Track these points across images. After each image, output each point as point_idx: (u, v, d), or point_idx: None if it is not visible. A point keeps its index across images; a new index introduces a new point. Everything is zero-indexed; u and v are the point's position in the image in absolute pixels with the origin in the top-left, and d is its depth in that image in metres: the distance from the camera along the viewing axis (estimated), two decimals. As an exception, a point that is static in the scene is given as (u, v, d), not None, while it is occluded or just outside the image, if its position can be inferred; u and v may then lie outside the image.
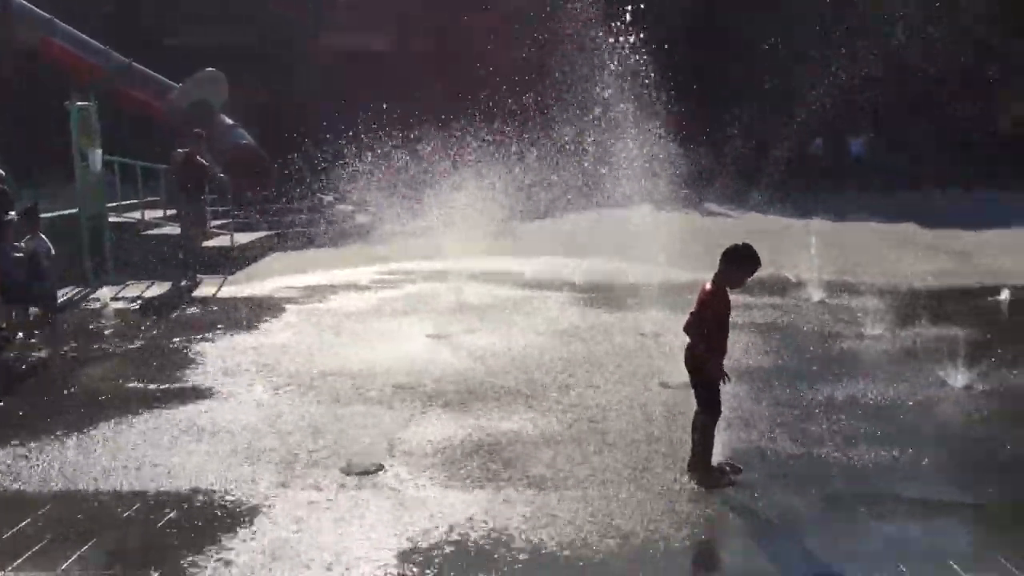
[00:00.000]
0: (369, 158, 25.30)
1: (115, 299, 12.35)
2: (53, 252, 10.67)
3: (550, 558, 4.89)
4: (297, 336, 10.22)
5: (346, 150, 28.21)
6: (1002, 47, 28.07)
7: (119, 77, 20.55)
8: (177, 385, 8.25)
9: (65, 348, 9.81)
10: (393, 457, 6.30)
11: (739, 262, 5.71)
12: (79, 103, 13.45)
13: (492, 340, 9.83)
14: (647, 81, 17.27)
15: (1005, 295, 11.63)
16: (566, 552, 4.94)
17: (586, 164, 17.83)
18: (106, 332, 10.61)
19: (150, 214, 15.58)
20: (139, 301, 12.47)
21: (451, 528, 5.24)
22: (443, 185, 17.78)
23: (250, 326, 10.79)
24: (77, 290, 13.00)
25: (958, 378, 7.89)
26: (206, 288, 13.34)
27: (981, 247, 16.43)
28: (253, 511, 5.51)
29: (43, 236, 10.70)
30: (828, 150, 29.41)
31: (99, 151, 13.73)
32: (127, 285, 13.33)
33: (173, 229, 14.92)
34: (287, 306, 11.96)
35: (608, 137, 17.84)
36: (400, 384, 8.10)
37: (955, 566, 4.71)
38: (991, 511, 5.49)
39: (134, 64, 20.99)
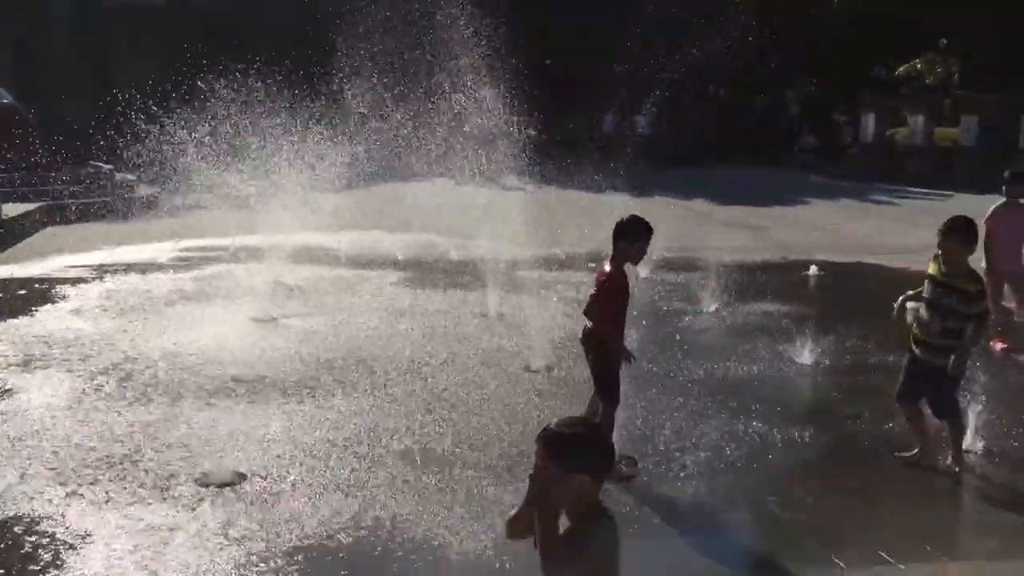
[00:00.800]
0: (152, 122, 23.33)
1: None
2: None
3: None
4: (98, 323, 9.03)
5: (123, 113, 25.95)
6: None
7: None
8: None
9: None
10: (253, 462, 5.58)
11: (633, 235, 5.48)
12: None
13: (325, 323, 9.14)
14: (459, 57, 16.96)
15: (813, 270, 12.27)
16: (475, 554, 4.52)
17: (382, 135, 17.22)
18: None
19: None
20: None
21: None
22: (234, 154, 16.62)
23: (37, 312, 9.44)
24: None
25: (803, 354, 8.14)
26: (-25, 268, 11.63)
27: (775, 222, 17.38)
28: (88, 543, 4.66)
29: None
30: (617, 128, 30.28)
31: None
32: None
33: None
34: (78, 288, 10.59)
35: (409, 107, 17.39)
36: (238, 377, 7.27)
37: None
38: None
39: None
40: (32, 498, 5.13)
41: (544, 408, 6.65)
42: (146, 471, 5.50)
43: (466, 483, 5.39)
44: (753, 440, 6.17)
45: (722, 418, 6.56)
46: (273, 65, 18.68)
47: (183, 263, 12.33)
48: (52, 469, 5.52)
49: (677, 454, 5.91)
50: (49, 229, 14.43)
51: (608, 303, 5.37)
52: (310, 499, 5.14)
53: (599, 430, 3.20)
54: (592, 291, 5.48)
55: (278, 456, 5.70)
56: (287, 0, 30.14)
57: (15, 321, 9.05)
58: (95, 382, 7.22)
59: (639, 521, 4.99)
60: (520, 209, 13.27)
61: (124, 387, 7.10)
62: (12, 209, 13.45)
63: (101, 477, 5.40)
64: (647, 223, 5.59)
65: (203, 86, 18.68)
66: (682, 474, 5.62)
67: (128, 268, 11.85)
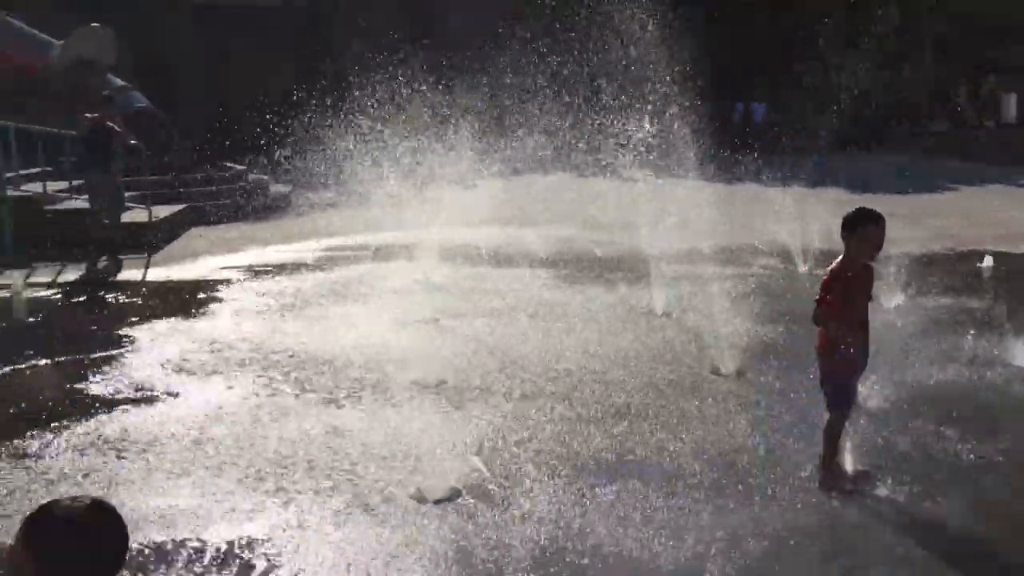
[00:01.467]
0: (287, 123, 23.63)
1: (29, 285, 10.72)
2: None
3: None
4: (259, 324, 8.98)
5: (255, 114, 26.37)
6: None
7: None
8: (125, 389, 6.95)
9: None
10: (464, 474, 5.29)
11: (862, 228, 4.98)
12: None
13: (487, 324, 8.86)
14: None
15: (988, 262, 11.47)
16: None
17: (505, 130, 16.93)
18: (26, 326, 9.09)
19: (53, 186, 13.71)
20: (55, 288, 10.86)
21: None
22: (366, 153, 16.59)
23: (201, 314, 9.46)
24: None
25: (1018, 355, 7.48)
26: (130, 271, 11.77)
27: (928, 211, 16.45)
28: (301, 564, 4.45)
29: None
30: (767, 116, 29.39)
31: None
32: (34, 268, 11.62)
33: (81, 203, 13.16)
34: (234, 290, 10.62)
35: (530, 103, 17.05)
36: (420, 381, 7.04)
37: None
38: None
39: (9, 17, 18.65)
40: (232, 509, 4.97)
41: (745, 417, 6.22)
42: (351, 481, 5.30)
43: (690, 498, 5.00)
44: (987, 456, 5.61)
45: (943, 430, 6.00)
46: (397, 58, 18.68)
47: (330, 262, 12.27)
48: (253, 478, 5.36)
49: (905, 470, 5.40)
50: (193, 230, 14.63)
51: (833, 302, 4.91)
52: (531, 517, 4.83)
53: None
54: (818, 295, 5.01)
55: (487, 467, 5.42)
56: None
57: (182, 324, 9.07)
58: (273, 385, 7.11)
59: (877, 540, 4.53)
60: (669, 201, 12.79)
61: (305, 390, 6.97)
62: (161, 211, 13.64)
63: (306, 488, 5.21)
64: (868, 213, 5.04)
65: (327, 83, 18.84)
66: (915, 490, 5.11)
67: (278, 269, 11.85)
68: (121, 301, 10.24)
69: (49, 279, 11.19)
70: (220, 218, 15.46)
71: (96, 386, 7.12)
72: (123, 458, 5.69)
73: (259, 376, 7.33)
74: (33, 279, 11.08)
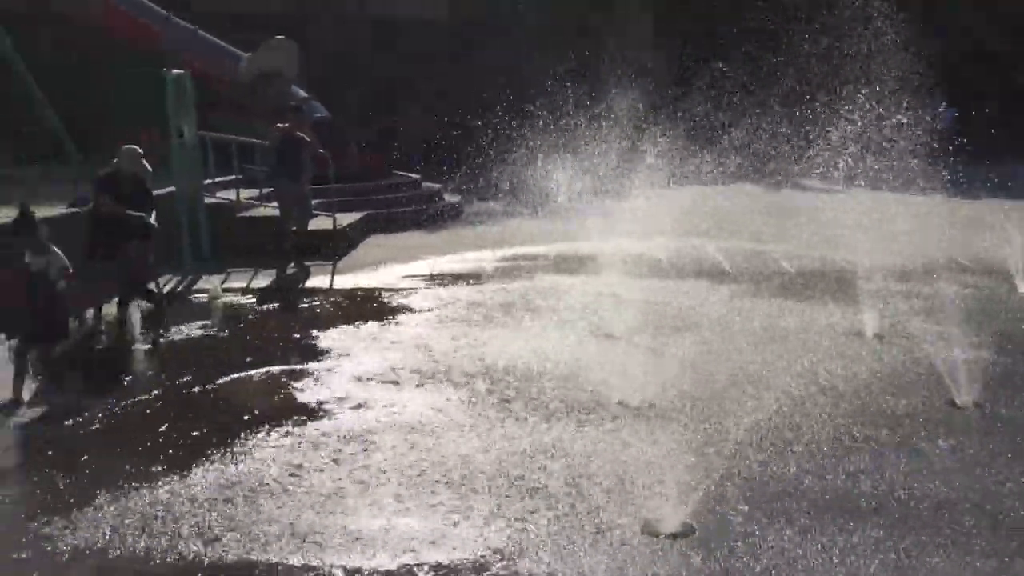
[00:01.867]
0: (454, 133, 23.88)
1: (225, 290, 11.09)
2: (71, 269, 7.42)
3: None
4: (447, 334, 8.92)
5: (425, 125, 26.83)
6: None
7: (183, 45, 19.19)
8: (328, 398, 6.96)
9: (161, 336, 8.71)
10: (695, 509, 4.97)
11: None
12: (175, 71, 12.10)
13: (687, 343, 8.40)
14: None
15: None
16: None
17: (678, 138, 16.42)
18: (225, 330, 9.35)
19: (246, 194, 14.23)
20: (249, 293, 11.19)
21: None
22: (533, 160, 16.47)
23: (390, 322, 9.50)
24: (176, 278, 11.71)
25: None
26: (317, 278, 12.03)
27: None
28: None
29: (56, 249, 7.30)
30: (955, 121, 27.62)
31: (194, 125, 12.38)
32: (229, 273, 12.02)
33: (270, 211, 13.59)
34: (418, 298, 10.64)
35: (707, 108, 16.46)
36: (625, 402, 6.76)
37: None
38: None
39: (199, 31, 19.62)
40: (446, 533, 4.80)
41: (1003, 456, 5.61)
42: (572, 506, 5.07)
43: (952, 549, 4.50)
44: None
45: None
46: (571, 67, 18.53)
47: (509, 272, 12.16)
48: (468, 497, 5.20)
49: None
50: (371, 238, 14.87)
51: None
52: (769, 559, 4.45)
53: None
54: None
55: (718, 502, 5.06)
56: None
57: (374, 332, 9.12)
58: (473, 399, 7.00)
59: None
60: (863, 213, 12.04)
61: (507, 405, 6.82)
62: (344, 219, 13.92)
63: (524, 512, 5.00)
64: None
65: (499, 95, 18.87)
66: None
67: (459, 278, 11.84)
68: (313, 308, 10.42)
69: (243, 285, 11.54)
70: (397, 226, 15.67)
71: (300, 394, 7.19)
72: (334, 470, 5.66)
73: (457, 388, 7.24)
74: (228, 284, 11.44)
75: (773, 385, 7.07)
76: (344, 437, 6.21)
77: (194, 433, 6.34)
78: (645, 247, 13.05)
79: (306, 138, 13.16)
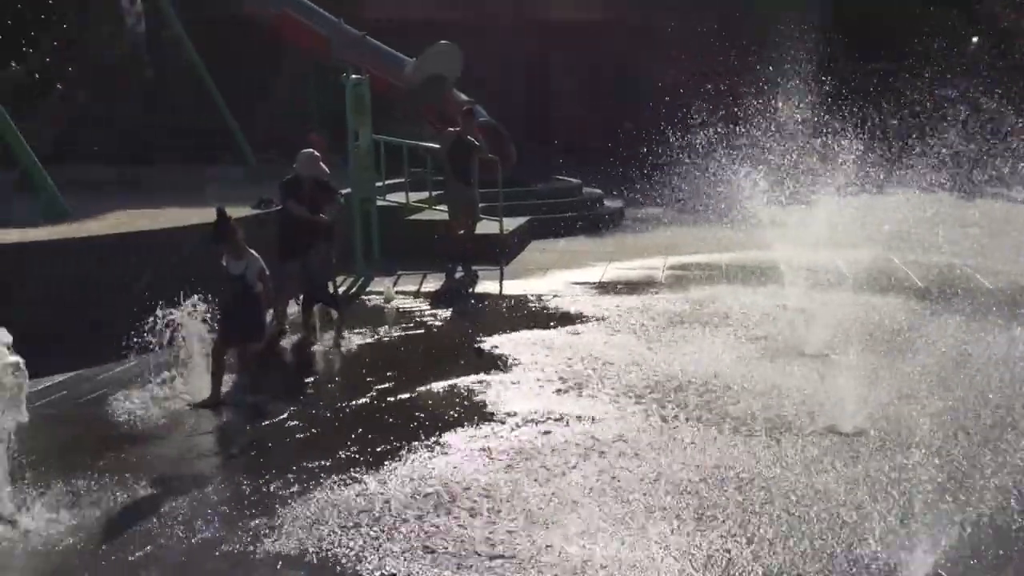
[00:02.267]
0: (618, 138, 23.55)
1: (397, 293, 11.17)
2: (267, 271, 7.49)
3: None
4: (625, 344, 8.71)
5: (584, 129, 26.61)
6: None
7: (351, 51, 19.65)
8: (515, 407, 6.77)
9: (341, 338, 8.82)
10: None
11: None
12: (354, 76, 12.30)
13: (888, 364, 7.78)
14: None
15: None
16: None
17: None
18: (402, 334, 9.36)
19: (415, 197, 14.37)
20: (420, 297, 11.24)
21: None
22: (701, 169, 15.93)
23: (559, 330, 9.30)
24: (350, 280, 11.89)
25: None
26: (486, 282, 11.98)
27: None
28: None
29: (253, 252, 7.32)
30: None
31: (370, 129, 12.55)
32: (399, 276, 12.11)
33: (439, 214, 13.67)
34: (588, 306, 10.41)
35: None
36: (836, 428, 6.30)
37: None
38: None
39: (367, 37, 20.04)
40: (665, 563, 4.51)
41: None
42: (810, 543, 4.70)
43: None
44: None
45: None
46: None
47: (681, 281, 11.78)
48: (686, 524, 4.90)
49: None
50: (535, 243, 14.75)
51: None
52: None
53: None
54: None
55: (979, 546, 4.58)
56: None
57: (549, 339, 8.94)
58: (665, 411, 6.77)
59: None
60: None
61: (702, 421, 6.52)
62: (509, 223, 13.85)
63: (762, 554, 4.66)
64: None
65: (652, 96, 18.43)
66: None
67: (628, 286, 11.54)
68: (486, 314, 10.36)
69: (414, 288, 11.61)
70: (559, 232, 15.50)
71: (486, 404, 7.07)
72: (531, 485, 5.48)
73: (643, 402, 6.99)
74: (399, 287, 11.52)
75: (993, 418, 6.46)
76: (536, 451, 6.04)
77: (383, 441, 6.30)
78: (826, 257, 12.39)
79: (475, 141, 13.16)
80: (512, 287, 11.64)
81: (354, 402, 7.17)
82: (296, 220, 8.82)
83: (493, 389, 7.42)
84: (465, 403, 7.12)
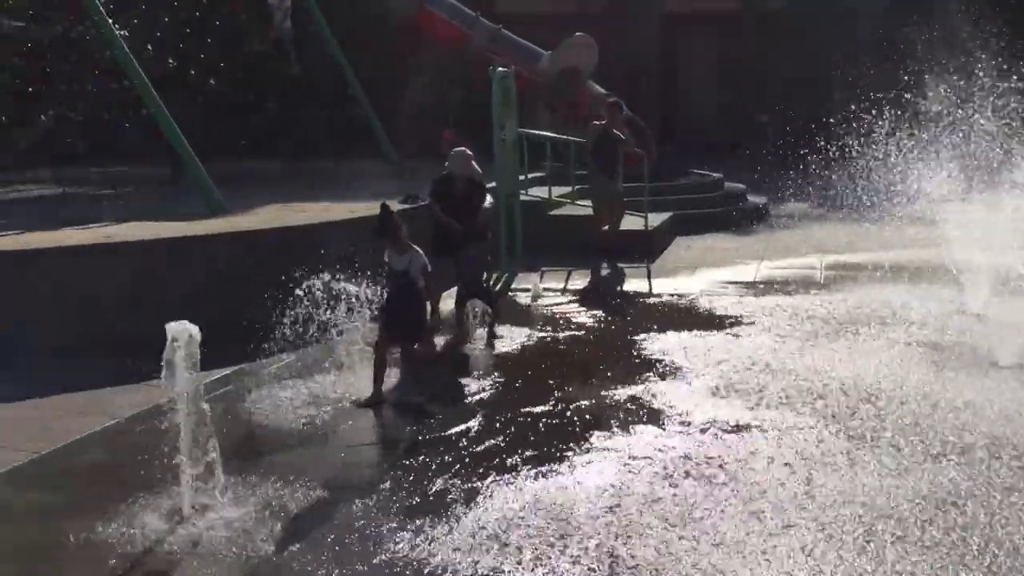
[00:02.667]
0: (754, 131, 22.68)
1: (545, 290, 10.92)
2: (430, 268, 7.26)
3: None
4: (787, 349, 8.21)
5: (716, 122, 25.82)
6: None
7: (488, 44, 19.56)
8: (684, 414, 6.39)
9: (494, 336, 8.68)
10: None
11: None
12: (500, 69, 12.12)
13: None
14: None
15: None
16: None
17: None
18: (555, 333, 9.10)
19: (557, 191, 14.13)
20: (567, 294, 10.97)
21: None
22: (849, 162, 15.13)
23: (717, 332, 8.85)
24: (495, 275, 11.71)
25: None
26: (633, 280, 11.62)
27: None
28: None
29: (416, 248, 7.15)
30: None
31: (515, 123, 12.35)
32: (543, 272, 11.86)
33: (581, 209, 13.38)
34: (745, 307, 9.91)
35: None
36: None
37: None
38: None
39: (503, 30, 19.91)
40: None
41: None
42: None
43: None
44: None
45: None
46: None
47: (841, 281, 11.12)
48: (913, 559, 4.45)
49: None
50: (679, 240, 14.28)
51: None
52: None
53: None
54: None
55: None
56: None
57: (707, 342, 8.51)
58: (850, 425, 6.25)
59: None
60: None
61: (883, 438, 5.99)
62: (653, 219, 13.44)
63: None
64: None
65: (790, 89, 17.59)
66: None
67: (783, 285, 10.97)
68: (638, 313, 9.99)
69: (560, 285, 11.35)
70: (702, 228, 14.98)
71: (657, 411, 6.72)
72: (724, 504, 5.11)
73: (823, 412, 6.51)
74: (545, 284, 11.27)
75: None
76: (719, 463, 5.66)
77: (550, 445, 6.04)
78: (1007, 260, 11.52)
79: (621, 135, 12.81)
80: (661, 285, 11.24)
81: (515, 404, 6.94)
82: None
83: (658, 394, 7.07)
84: (631, 408, 6.80)
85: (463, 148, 9.01)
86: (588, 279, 11.72)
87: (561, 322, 9.55)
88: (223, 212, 11.13)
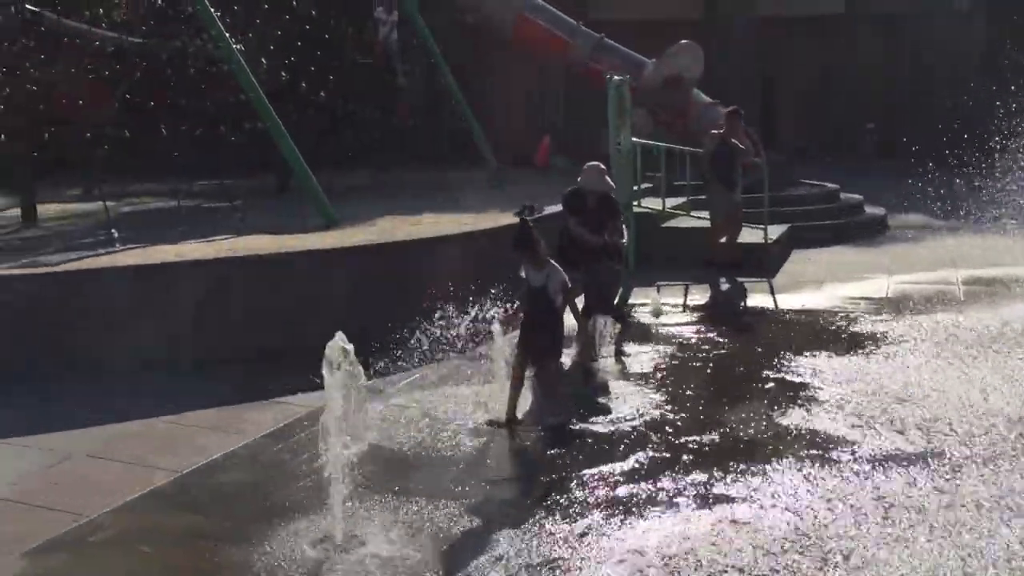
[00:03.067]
0: (862, 139, 21.81)
1: (664, 306, 10.53)
2: (570, 284, 6.90)
3: None
4: (931, 372, 7.63)
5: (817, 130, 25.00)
6: None
7: (591, 53, 19.27)
8: (857, 446, 5.92)
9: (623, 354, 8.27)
10: None
11: None
12: (616, 77, 11.79)
13: None
14: None
15: None
16: None
17: None
18: (687, 351, 8.70)
19: (671, 202, 13.73)
20: (689, 310, 10.55)
21: None
22: (968, 167, 14.39)
23: (854, 353, 8.33)
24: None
25: None
26: (756, 296, 11.13)
27: None
28: None
29: (554, 263, 6.80)
30: None
31: (630, 132, 12.00)
32: (659, 287, 11.47)
33: (696, 221, 12.95)
34: (880, 324, 9.36)
35: None
36: None
37: None
38: None
39: (605, 39, 19.59)
40: None
41: None
42: None
43: None
44: None
45: None
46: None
47: (986, 298, 10.43)
48: None
49: None
50: (796, 253, 13.72)
51: None
52: None
53: None
54: None
55: None
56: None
57: (855, 365, 8.00)
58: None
59: None
60: None
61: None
62: (772, 232, 12.92)
63: None
64: None
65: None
66: None
67: (921, 302, 10.32)
68: (769, 332, 9.53)
69: (678, 300, 10.94)
70: (818, 240, 14.39)
71: (804, 437, 6.28)
72: (898, 541, 4.67)
73: (994, 444, 5.96)
74: (663, 299, 10.88)
75: None
76: (893, 502, 5.21)
77: (697, 471, 5.67)
78: None
79: (739, 145, 12.35)
80: (787, 301, 10.73)
81: (658, 428, 6.57)
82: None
83: (809, 420, 6.62)
84: (780, 434, 6.37)
85: (597, 162, 8.69)
86: (708, 294, 11.29)
87: (688, 340, 9.14)
88: (336, 224, 11.08)
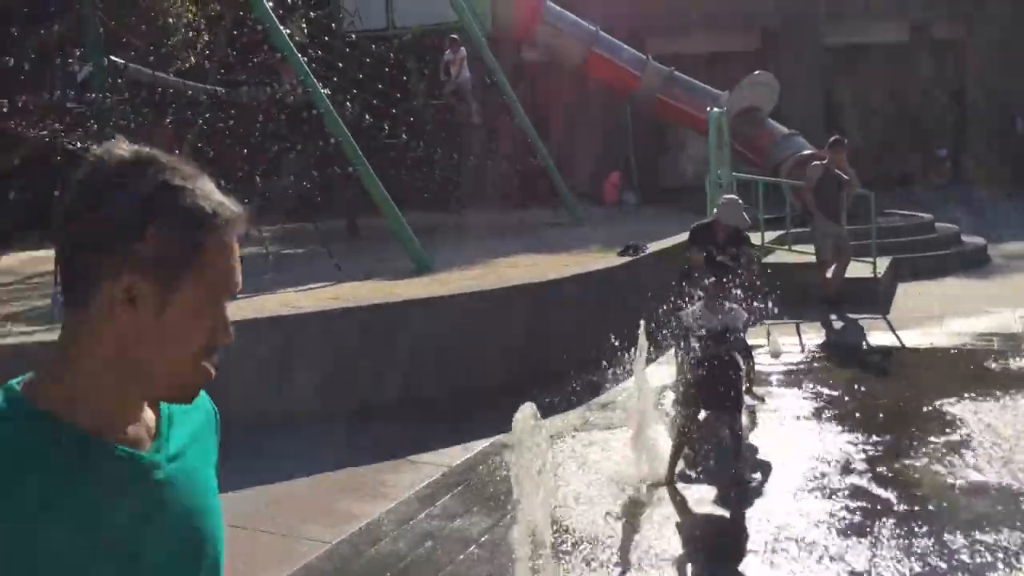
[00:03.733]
0: (935, 166, 21.10)
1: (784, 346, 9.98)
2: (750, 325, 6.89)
3: None
4: None
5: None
6: None
7: (662, 87, 18.92)
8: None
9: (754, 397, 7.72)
10: None
11: None
12: (715, 110, 11.39)
13: None
14: None
15: None
16: None
17: None
18: (822, 393, 8.15)
19: (769, 236, 13.21)
20: (806, 350, 10.00)
21: None
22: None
23: (1010, 393, 7.74)
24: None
25: None
26: (875, 333, 10.53)
27: None
28: None
29: (734, 305, 6.60)
30: None
31: (729, 164, 11.56)
32: (763, 324, 10.91)
33: (797, 256, 12.42)
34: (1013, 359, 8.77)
35: None
36: None
37: None
38: None
39: (675, 72, 19.23)
40: None
41: None
42: None
43: None
44: None
45: None
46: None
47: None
48: None
49: None
50: (901, 287, 13.10)
51: None
52: None
53: None
54: None
55: None
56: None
57: (1015, 408, 7.42)
58: None
59: None
60: None
61: None
62: (880, 264, 12.33)
63: None
64: None
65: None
66: None
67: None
68: (904, 372, 8.97)
69: (792, 339, 10.39)
70: (923, 272, 13.74)
71: (991, 497, 5.72)
72: None
73: None
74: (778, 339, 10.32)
75: None
76: None
77: (888, 520, 5.12)
78: None
79: (843, 175, 11.83)
80: (912, 339, 10.12)
81: (826, 475, 6.05)
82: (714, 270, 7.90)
83: (980, 469, 6.06)
84: (955, 483, 5.82)
85: (734, 196, 8.27)
86: (823, 333, 10.72)
87: (822, 382, 8.58)
88: (430, 269, 10.71)
